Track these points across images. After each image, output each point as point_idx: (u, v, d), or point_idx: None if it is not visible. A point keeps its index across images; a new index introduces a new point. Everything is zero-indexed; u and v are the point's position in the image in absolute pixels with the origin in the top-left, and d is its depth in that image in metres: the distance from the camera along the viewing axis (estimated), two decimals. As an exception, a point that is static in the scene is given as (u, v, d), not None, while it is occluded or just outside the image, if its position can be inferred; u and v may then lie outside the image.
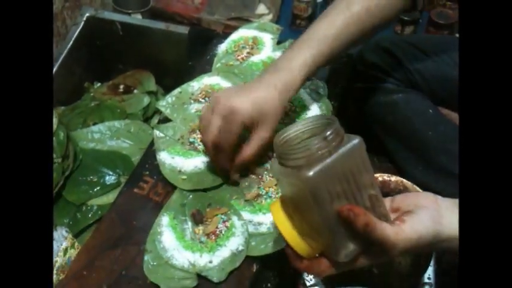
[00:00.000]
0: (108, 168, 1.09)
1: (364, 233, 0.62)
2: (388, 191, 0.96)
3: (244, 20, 1.71)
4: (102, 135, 1.18)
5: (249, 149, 0.87)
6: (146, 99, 1.37)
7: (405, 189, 0.94)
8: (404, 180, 0.95)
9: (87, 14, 1.45)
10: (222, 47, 1.18)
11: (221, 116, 0.84)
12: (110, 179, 1.07)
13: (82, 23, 1.43)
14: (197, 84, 1.09)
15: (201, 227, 0.87)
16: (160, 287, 0.81)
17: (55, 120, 1.06)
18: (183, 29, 1.43)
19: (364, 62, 1.27)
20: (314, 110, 1.04)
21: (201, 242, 0.85)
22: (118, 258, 0.85)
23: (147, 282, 0.82)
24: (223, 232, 0.86)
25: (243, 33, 1.20)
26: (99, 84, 1.49)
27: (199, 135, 0.98)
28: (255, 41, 1.17)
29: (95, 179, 1.07)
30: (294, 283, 0.96)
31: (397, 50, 1.23)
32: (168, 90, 1.18)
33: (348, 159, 0.61)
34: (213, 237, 0.85)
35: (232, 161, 0.89)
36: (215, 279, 0.81)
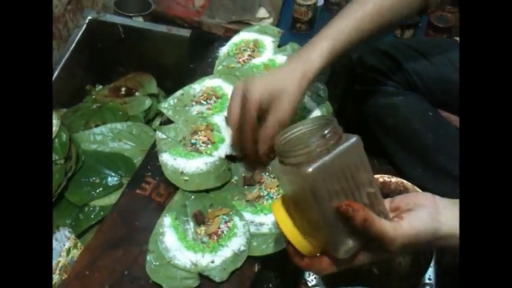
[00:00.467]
0: (110, 170, 1.09)
1: (363, 229, 0.63)
2: (388, 191, 0.96)
3: (244, 24, 1.72)
4: (104, 137, 1.18)
5: (267, 129, 0.89)
6: (148, 102, 1.37)
7: (405, 190, 0.94)
8: (404, 181, 0.95)
9: (89, 17, 1.45)
10: (224, 50, 1.19)
11: (239, 97, 0.90)
12: (112, 180, 1.08)
13: (84, 25, 1.44)
14: (199, 87, 1.09)
15: (203, 228, 0.87)
16: (162, 287, 0.82)
17: (57, 122, 1.07)
18: (185, 32, 1.43)
19: (363, 65, 1.27)
20: (315, 112, 1.05)
21: (203, 242, 0.86)
22: (120, 258, 0.85)
23: (149, 282, 0.82)
24: (225, 232, 0.86)
25: (244, 36, 1.21)
26: (100, 86, 1.50)
27: (201, 137, 0.99)
28: (256, 43, 1.18)
29: (97, 180, 1.07)
30: (295, 283, 0.97)
31: (396, 53, 1.24)
32: (169, 92, 1.18)
33: (346, 156, 0.63)
34: (215, 238, 0.86)
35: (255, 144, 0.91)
36: (217, 279, 0.82)
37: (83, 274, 0.84)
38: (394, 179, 0.96)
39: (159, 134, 1.00)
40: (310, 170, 0.61)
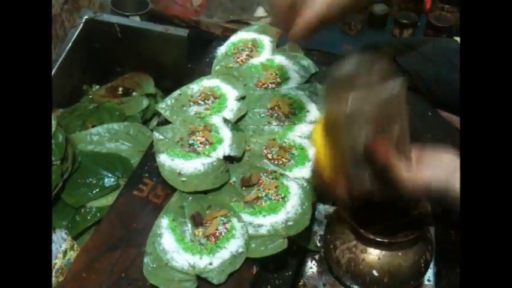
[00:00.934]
0: (107, 171, 1.08)
1: (383, 168, 0.69)
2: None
3: (242, 23, 1.71)
4: (101, 138, 1.18)
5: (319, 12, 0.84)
6: (145, 102, 1.37)
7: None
8: (403, 182, 0.95)
9: (86, 17, 1.45)
10: (222, 50, 1.18)
11: None
12: (109, 181, 1.07)
13: (81, 25, 1.43)
14: (197, 87, 1.09)
15: (200, 229, 0.86)
16: (160, 289, 0.81)
17: (54, 123, 1.06)
18: (182, 32, 1.43)
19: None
20: (313, 111, 1.04)
21: (200, 244, 0.85)
22: (117, 260, 0.84)
23: (146, 284, 0.81)
24: (223, 234, 0.86)
25: (242, 35, 1.21)
26: (97, 86, 1.49)
27: (198, 138, 0.98)
28: (254, 43, 1.17)
29: (94, 181, 1.07)
30: (294, 285, 0.96)
31: (395, 52, 1.23)
32: (167, 92, 1.18)
33: (387, 95, 0.68)
34: (213, 239, 0.85)
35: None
36: (215, 281, 0.81)
37: (79, 276, 0.83)
38: (393, 180, 0.95)
39: (157, 135, 0.99)
40: (350, 102, 0.67)
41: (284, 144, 0.98)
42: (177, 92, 1.08)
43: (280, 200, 0.90)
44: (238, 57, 1.15)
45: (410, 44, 1.26)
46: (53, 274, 0.88)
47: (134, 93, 1.40)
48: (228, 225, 0.87)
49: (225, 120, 1.01)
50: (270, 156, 0.96)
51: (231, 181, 0.94)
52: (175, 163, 0.95)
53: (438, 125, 1.19)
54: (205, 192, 0.92)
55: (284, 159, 0.96)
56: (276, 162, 0.96)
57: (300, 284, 0.96)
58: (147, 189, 0.94)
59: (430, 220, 0.90)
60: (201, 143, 0.97)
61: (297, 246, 0.97)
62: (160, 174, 0.94)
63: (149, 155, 0.99)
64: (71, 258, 0.91)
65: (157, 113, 1.36)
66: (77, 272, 0.83)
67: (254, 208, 0.89)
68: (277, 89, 1.08)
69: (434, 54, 1.21)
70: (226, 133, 0.99)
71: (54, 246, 0.90)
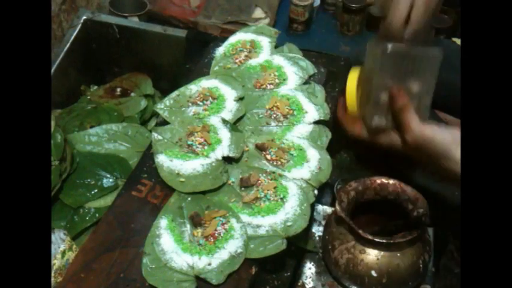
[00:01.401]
0: (105, 171, 1.08)
1: (398, 112, 0.77)
2: (386, 193, 0.96)
3: (240, 24, 1.71)
4: (99, 138, 1.17)
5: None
6: (143, 103, 1.37)
7: (403, 192, 0.94)
8: (402, 183, 0.95)
9: (84, 17, 1.45)
10: (220, 50, 1.18)
11: None
12: (108, 181, 1.07)
13: (79, 25, 1.43)
14: (195, 87, 1.09)
15: (199, 230, 0.86)
16: (158, 290, 0.81)
17: (52, 123, 1.06)
18: (181, 32, 1.43)
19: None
20: (312, 113, 1.04)
21: (199, 244, 0.85)
22: (116, 260, 0.84)
23: (145, 285, 0.81)
24: (222, 234, 0.86)
25: (240, 36, 1.21)
26: (95, 87, 1.49)
27: (197, 138, 0.98)
28: (252, 44, 1.18)
29: (92, 182, 1.07)
30: (292, 285, 0.96)
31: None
32: (165, 93, 1.18)
33: (421, 57, 0.78)
34: (212, 240, 0.85)
35: None
36: (214, 282, 0.81)
37: (78, 277, 0.83)
38: (391, 181, 0.96)
39: (155, 135, 0.99)
40: (390, 47, 0.77)
41: (283, 145, 0.98)
42: (176, 92, 1.08)
43: (279, 200, 0.90)
44: (236, 58, 1.15)
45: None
46: (52, 275, 0.88)
47: (132, 94, 1.40)
48: (226, 226, 0.86)
49: (224, 121, 1.01)
50: (268, 157, 0.96)
51: (229, 182, 0.94)
52: (173, 164, 0.94)
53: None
54: (204, 192, 0.92)
55: (283, 160, 0.96)
56: (274, 163, 0.96)
57: (299, 284, 0.96)
58: (145, 189, 0.94)
59: (428, 221, 0.90)
60: (199, 143, 0.97)
61: (296, 246, 0.98)
62: (159, 175, 0.94)
63: (148, 156, 0.99)
64: (69, 259, 0.90)
65: (155, 114, 1.36)
66: (75, 272, 0.83)
67: (253, 209, 0.89)
68: (275, 90, 1.08)
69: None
70: (224, 134, 0.99)
71: (52, 247, 0.90)
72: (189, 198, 0.91)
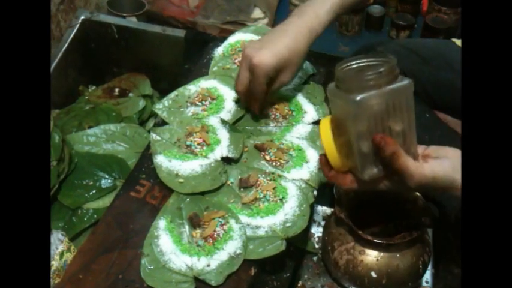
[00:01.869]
0: (103, 172, 1.08)
1: (390, 160, 0.72)
2: (385, 194, 0.95)
3: (239, 24, 1.71)
4: (98, 139, 1.17)
5: (271, 92, 0.99)
6: (142, 103, 1.36)
7: (403, 193, 0.94)
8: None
9: (82, 17, 1.44)
10: (219, 51, 1.18)
11: (249, 70, 0.95)
12: (106, 182, 1.06)
13: (77, 25, 1.42)
14: (194, 88, 1.08)
15: (198, 231, 0.86)
16: (157, 291, 0.80)
17: (50, 124, 1.05)
18: (180, 32, 1.42)
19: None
20: (311, 113, 1.04)
21: (198, 245, 0.84)
22: (114, 261, 0.84)
23: (144, 286, 0.81)
24: (221, 235, 0.85)
25: (240, 36, 1.20)
26: (93, 87, 1.48)
27: (196, 139, 0.97)
28: (251, 44, 1.17)
29: (91, 183, 1.06)
30: (291, 287, 0.96)
31: (392, 53, 1.23)
32: (163, 93, 1.17)
33: (393, 96, 0.71)
34: (211, 241, 0.85)
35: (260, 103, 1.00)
36: (213, 283, 0.81)
37: (76, 278, 0.82)
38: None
39: (154, 136, 0.99)
40: (358, 98, 0.70)
41: (282, 146, 0.98)
42: (174, 93, 1.08)
43: (278, 201, 0.89)
44: (235, 59, 1.14)
45: (408, 46, 1.26)
46: (50, 276, 0.87)
47: (131, 94, 1.39)
48: (226, 227, 0.86)
49: (223, 121, 1.01)
50: (267, 157, 0.96)
51: (228, 182, 0.93)
52: (172, 164, 0.94)
53: (435, 127, 1.20)
54: (203, 193, 0.91)
55: (282, 161, 0.95)
56: (273, 164, 0.95)
57: (298, 285, 0.96)
58: (144, 190, 0.93)
59: (428, 222, 0.89)
60: (198, 144, 0.97)
61: (295, 247, 0.97)
62: (158, 176, 0.93)
63: (146, 156, 0.99)
64: (67, 260, 0.90)
65: (154, 114, 1.35)
66: (73, 273, 0.83)
67: (252, 209, 0.89)
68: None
69: (433, 56, 1.21)
70: (223, 134, 0.99)
71: (50, 248, 0.90)
72: (188, 199, 0.91)
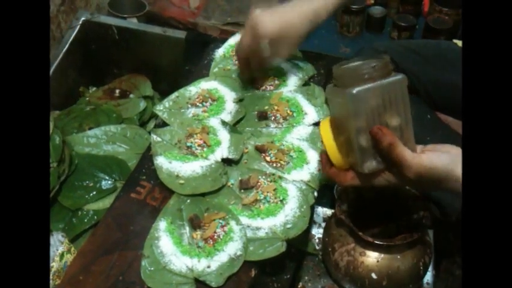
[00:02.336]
0: (104, 173, 1.08)
1: (387, 151, 0.74)
2: (386, 195, 0.95)
3: (240, 25, 1.71)
4: (98, 140, 1.17)
5: (268, 62, 1.03)
6: (142, 104, 1.36)
7: (404, 194, 0.94)
8: (402, 185, 0.94)
9: (83, 18, 1.44)
10: (220, 52, 1.18)
11: (251, 33, 0.98)
12: (106, 183, 1.06)
13: (77, 26, 1.42)
14: (194, 89, 1.08)
15: (198, 232, 0.86)
16: (157, 293, 0.80)
17: (50, 125, 1.05)
18: (180, 34, 1.42)
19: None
20: (311, 114, 1.04)
21: (198, 246, 0.84)
22: (115, 263, 0.84)
23: (144, 288, 0.81)
24: (221, 237, 0.85)
25: (240, 37, 1.20)
26: (94, 88, 1.48)
27: (196, 140, 0.97)
28: (252, 45, 1.17)
29: (91, 184, 1.06)
30: (292, 288, 0.96)
31: (393, 54, 1.23)
32: (164, 95, 1.17)
33: (388, 89, 0.74)
34: (211, 242, 0.84)
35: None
36: (213, 285, 0.81)
37: (76, 279, 0.82)
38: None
39: (154, 137, 0.99)
40: (354, 91, 0.73)
41: (282, 147, 0.97)
42: (175, 94, 1.08)
43: (279, 202, 0.89)
44: (236, 60, 1.14)
45: (410, 47, 1.26)
46: (50, 277, 0.87)
47: (131, 95, 1.39)
48: (226, 228, 0.86)
49: (223, 123, 1.01)
50: (268, 158, 0.96)
51: (229, 184, 0.93)
52: (173, 166, 0.94)
53: (437, 128, 1.19)
54: (204, 194, 0.91)
55: (282, 162, 0.95)
56: (274, 165, 0.95)
57: (299, 287, 0.96)
58: (144, 191, 0.93)
59: (428, 223, 0.89)
60: (199, 145, 0.97)
61: (296, 249, 0.97)
62: (158, 177, 0.93)
63: (147, 158, 0.99)
64: (67, 261, 0.90)
65: (154, 115, 1.35)
66: (73, 275, 0.83)
67: (252, 211, 0.89)
68: (275, 91, 1.08)
69: (435, 56, 1.21)
70: (224, 135, 0.99)
71: (51, 249, 0.90)
72: (188, 201, 0.90)
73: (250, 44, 0.99)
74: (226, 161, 0.96)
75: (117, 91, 1.41)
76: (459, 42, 1.24)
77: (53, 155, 1.02)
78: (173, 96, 1.07)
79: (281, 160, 0.95)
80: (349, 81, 0.74)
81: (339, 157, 0.80)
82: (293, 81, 1.10)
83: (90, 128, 1.21)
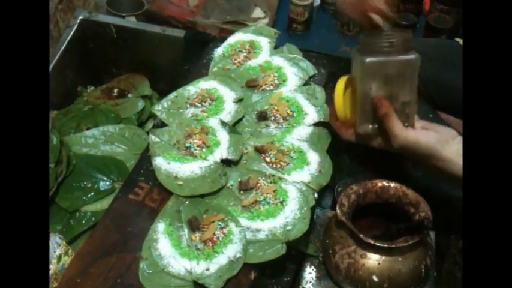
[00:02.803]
0: (102, 174, 1.07)
1: (382, 119, 0.84)
2: (387, 197, 0.94)
3: (239, 24, 1.70)
4: (96, 140, 1.16)
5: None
6: (141, 104, 1.35)
7: (405, 195, 0.93)
8: (403, 186, 0.93)
9: (81, 17, 1.43)
10: (219, 51, 1.17)
11: None
12: (104, 184, 1.05)
13: (75, 25, 1.42)
14: (193, 89, 1.07)
15: (197, 234, 0.85)
16: (156, 296, 0.79)
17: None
18: (179, 33, 1.42)
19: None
20: (311, 114, 1.03)
21: (197, 249, 0.83)
22: (113, 265, 0.83)
23: (142, 290, 0.80)
24: (220, 239, 0.84)
25: (239, 37, 1.19)
26: (92, 88, 1.48)
27: (195, 140, 0.96)
28: (252, 44, 1.16)
29: (89, 185, 1.05)
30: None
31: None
32: (162, 94, 1.16)
33: (399, 66, 0.83)
34: (210, 244, 0.84)
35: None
36: (212, 287, 0.80)
37: (74, 282, 0.82)
38: (393, 184, 0.94)
39: (153, 137, 0.98)
40: (367, 60, 0.84)
41: (282, 148, 0.97)
42: (174, 93, 1.07)
43: (279, 204, 0.88)
44: (235, 59, 1.13)
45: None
46: (47, 280, 0.86)
47: (130, 95, 1.38)
48: (225, 230, 0.85)
49: (223, 123, 1.00)
50: (268, 159, 0.95)
51: (228, 185, 0.92)
52: (171, 166, 0.93)
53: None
54: (203, 196, 0.90)
55: (282, 163, 0.94)
56: (274, 166, 0.94)
57: (299, 289, 0.95)
58: (143, 193, 0.92)
59: (430, 225, 0.88)
60: (198, 146, 0.96)
61: (296, 251, 0.96)
62: (157, 178, 0.92)
63: (145, 158, 0.98)
64: (65, 264, 0.89)
65: (153, 115, 1.34)
66: (71, 277, 0.82)
67: (252, 212, 0.88)
68: (275, 91, 1.07)
69: (436, 55, 1.21)
70: (223, 136, 0.98)
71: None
72: (187, 202, 0.90)
73: None
74: (225, 162, 0.95)
75: (115, 91, 1.40)
76: (461, 41, 1.23)
77: (50, 155, 1.01)
78: (172, 96, 1.06)
79: (281, 161, 0.94)
80: (367, 50, 0.84)
81: (342, 111, 0.90)
82: (293, 80, 1.09)
83: (88, 128, 1.20)
